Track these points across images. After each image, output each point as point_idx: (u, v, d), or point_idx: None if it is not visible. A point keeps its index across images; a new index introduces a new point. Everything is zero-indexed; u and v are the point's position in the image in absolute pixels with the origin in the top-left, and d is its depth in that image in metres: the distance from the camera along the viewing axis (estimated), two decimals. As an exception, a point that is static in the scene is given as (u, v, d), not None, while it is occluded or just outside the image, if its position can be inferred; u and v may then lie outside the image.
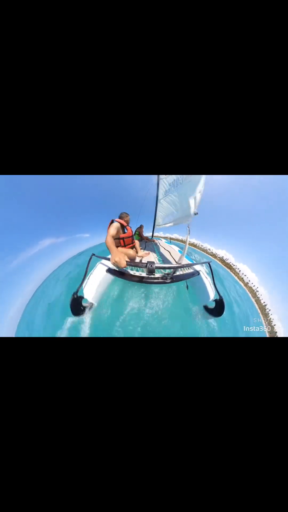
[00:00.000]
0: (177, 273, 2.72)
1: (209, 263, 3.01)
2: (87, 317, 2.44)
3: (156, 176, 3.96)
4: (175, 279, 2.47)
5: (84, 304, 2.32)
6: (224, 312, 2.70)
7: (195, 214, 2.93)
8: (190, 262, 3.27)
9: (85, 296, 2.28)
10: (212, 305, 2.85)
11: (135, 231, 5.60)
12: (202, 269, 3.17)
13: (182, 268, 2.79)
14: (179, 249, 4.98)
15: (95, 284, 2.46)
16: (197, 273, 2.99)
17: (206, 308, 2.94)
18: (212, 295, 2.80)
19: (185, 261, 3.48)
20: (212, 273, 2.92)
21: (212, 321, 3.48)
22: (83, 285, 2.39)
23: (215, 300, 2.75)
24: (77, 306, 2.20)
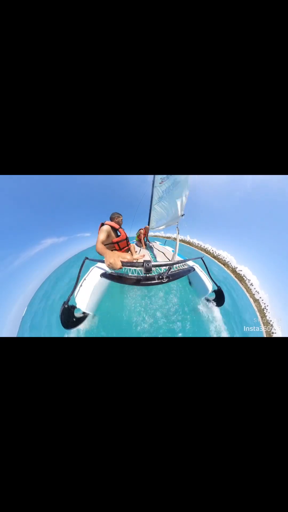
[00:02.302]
0: (172, 271, 2.72)
1: (201, 258, 3.23)
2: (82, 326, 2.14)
3: (152, 178, 4.12)
4: (171, 278, 2.41)
5: (76, 314, 2.09)
6: (224, 301, 2.83)
7: (182, 215, 3.38)
8: (184, 259, 3.38)
9: (77, 306, 2.04)
10: (212, 297, 3.04)
11: (138, 232, 5.50)
12: (197, 265, 3.33)
13: (177, 266, 2.84)
14: (173, 249, 5.15)
15: (89, 291, 2.19)
16: (192, 269, 3.11)
17: (207, 300, 3.14)
18: (210, 287, 2.94)
19: (178, 259, 3.65)
20: (206, 266, 3.14)
21: (219, 322, 3.57)
22: (75, 292, 2.14)
23: (214, 291, 2.93)
24: (68, 317, 1.96)
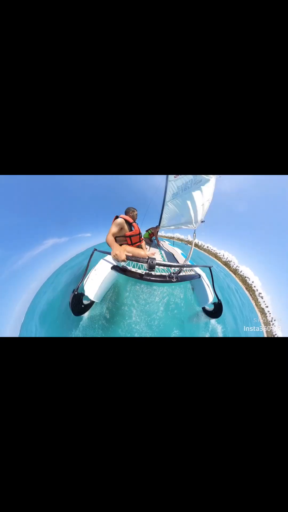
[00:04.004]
0: (182, 274, 2.71)
1: (210, 268, 3.09)
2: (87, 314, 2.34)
3: (163, 176, 3.91)
4: (179, 279, 2.43)
5: (85, 302, 2.28)
6: (221, 315, 2.87)
7: (202, 221, 2.93)
8: (191, 264, 3.32)
9: (85, 293, 2.17)
10: (211, 307, 3.00)
11: (148, 230, 5.36)
12: (204, 273, 3.23)
13: (184, 270, 2.83)
14: (182, 251, 5.03)
15: (97, 281, 2.31)
16: (198, 275, 3.04)
17: (204, 310, 3.10)
18: (211, 298, 2.88)
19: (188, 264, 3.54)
20: (212, 277, 2.99)
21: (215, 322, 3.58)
22: (84, 281, 2.28)
23: (214, 303, 2.88)
24: (77, 304, 2.15)
